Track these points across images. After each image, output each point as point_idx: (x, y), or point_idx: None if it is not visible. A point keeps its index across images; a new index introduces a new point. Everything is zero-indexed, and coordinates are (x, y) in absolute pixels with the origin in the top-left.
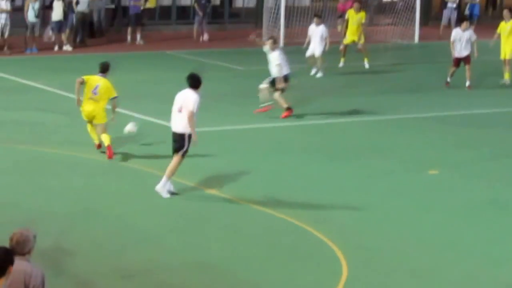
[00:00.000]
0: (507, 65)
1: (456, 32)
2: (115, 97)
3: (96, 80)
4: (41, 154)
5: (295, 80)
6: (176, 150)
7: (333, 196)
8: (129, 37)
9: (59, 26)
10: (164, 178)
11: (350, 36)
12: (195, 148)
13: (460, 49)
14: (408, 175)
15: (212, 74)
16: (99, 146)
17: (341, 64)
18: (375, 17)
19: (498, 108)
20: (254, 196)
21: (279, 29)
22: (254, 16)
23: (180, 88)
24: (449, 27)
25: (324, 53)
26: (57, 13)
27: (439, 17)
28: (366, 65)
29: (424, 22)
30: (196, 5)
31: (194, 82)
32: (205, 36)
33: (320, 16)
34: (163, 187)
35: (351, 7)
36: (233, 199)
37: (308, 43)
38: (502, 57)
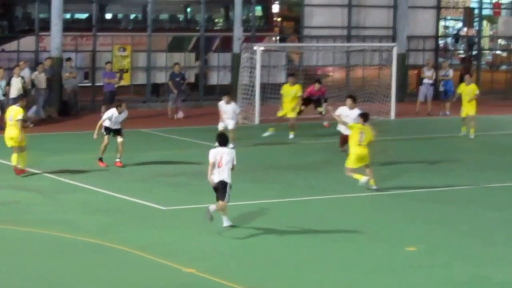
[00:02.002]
0: (471, 120)
1: None
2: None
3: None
4: (14, 233)
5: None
6: (220, 197)
7: (310, 275)
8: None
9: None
10: (224, 217)
11: (286, 109)
12: (168, 226)
13: None
14: (385, 252)
15: (187, 151)
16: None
17: (267, 133)
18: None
19: (475, 184)
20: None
21: (254, 106)
22: (228, 93)
23: (153, 168)
24: (425, 103)
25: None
26: (14, 90)
27: (415, 94)
28: (291, 136)
29: (400, 98)
30: (170, 83)
31: (224, 140)
32: (180, 114)
33: (229, 94)
34: (227, 221)
35: (322, 93)
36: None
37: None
38: (464, 115)
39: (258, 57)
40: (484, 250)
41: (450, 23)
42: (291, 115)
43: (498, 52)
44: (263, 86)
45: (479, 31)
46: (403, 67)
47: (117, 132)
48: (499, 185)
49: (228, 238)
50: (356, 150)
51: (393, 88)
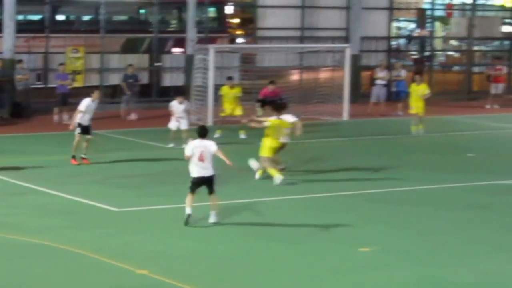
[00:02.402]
0: (419, 119)
1: None
2: None
3: None
4: None
5: None
6: (211, 191)
7: (263, 276)
8: (56, 117)
9: None
10: (213, 212)
11: (228, 109)
12: (120, 228)
13: None
14: (339, 253)
15: (141, 153)
16: None
17: (216, 135)
18: (305, 96)
19: (429, 184)
20: (174, 273)
21: (207, 107)
22: (182, 94)
23: (106, 170)
24: (378, 104)
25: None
26: None
27: (368, 95)
28: (242, 136)
29: (353, 99)
30: (124, 84)
31: (203, 132)
32: (133, 115)
33: (183, 95)
34: (214, 217)
35: (277, 95)
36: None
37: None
38: (414, 111)
39: (211, 58)
40: (437, 251)
41: (403, 24)
42: (238, 113)
43: (450, 53)
44: (217, 87)
45: (432, 32)
46: (356, 68)
47: (87, 130)
48: (453, 185)
49: (181, 239)
50: (272, 143)
51: (346, 89)
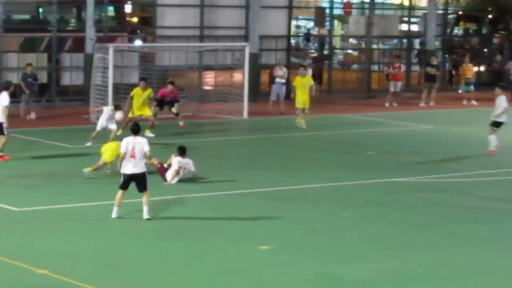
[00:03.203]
0: (303, 113)
1: None
2: None
3: None
4: None
5: None
6: (142, 189)
7: (162, 275)
8: None
9: None
10: (145, 207)
11: (137, 111)
12: (21, 228)
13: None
14: (238, 251)
15: (41, 153)
16: None
17: (149, 134)
18: (205, 94)
19: (328, 182)
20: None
21: (107, 106)
22: (82, 93)
23: (5, 169)
24: (278, 103)
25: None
26: None
27: (268, 93)
28: (151, 135)
29: (253, 98)
30: (22, 83)
31: (136, 129)
32: (32, 115)
33: (118, 105)
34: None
35: (175, 95)
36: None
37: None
38: (299, 106)
39: (110, 57)
40: (335, 248)
41: (302, 23)
42: (148, 113)
43: (349, 51)
44: (116, 87)
45: (331, 31)
46: (256, 67)
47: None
48: (352, 183)
49: (82, 239)
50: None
51: (246, 88)
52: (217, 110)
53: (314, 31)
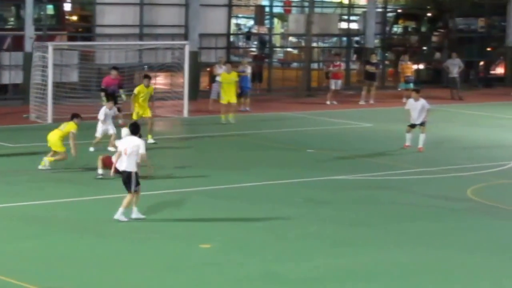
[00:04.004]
0: (231, 107)
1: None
2: None
3: None
4: None
5: None
6: (128, 189)
7: (104, 274)
8: None
9: None
10: (120, 209)
11: (140, 111)
12: None
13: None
14: (179, 249)
15: None
16: None
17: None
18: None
19: (268, 180)
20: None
21: (47, 105)
22: (22, 92)
23: None
24: (218, 101)
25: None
26: None
27: (208, 91)
28: (152, 141)
29: (193, 96)
30: None
31: (134, 129)
32: None
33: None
34: (121, 215)
35: (120, 82)
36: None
37: None
38: (225, 101)
39: (50, 56)
40: (278, 246)
41: (242, 21)
42: (148, 114)
43: (289, 49)
44: (56, 85)
45: (270, 29)
46: (196, 65)
47: None
48: (292, 181)
49: (23, 239)
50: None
51: (186, 86)
52: (157, 108)
53: (254, 29)
